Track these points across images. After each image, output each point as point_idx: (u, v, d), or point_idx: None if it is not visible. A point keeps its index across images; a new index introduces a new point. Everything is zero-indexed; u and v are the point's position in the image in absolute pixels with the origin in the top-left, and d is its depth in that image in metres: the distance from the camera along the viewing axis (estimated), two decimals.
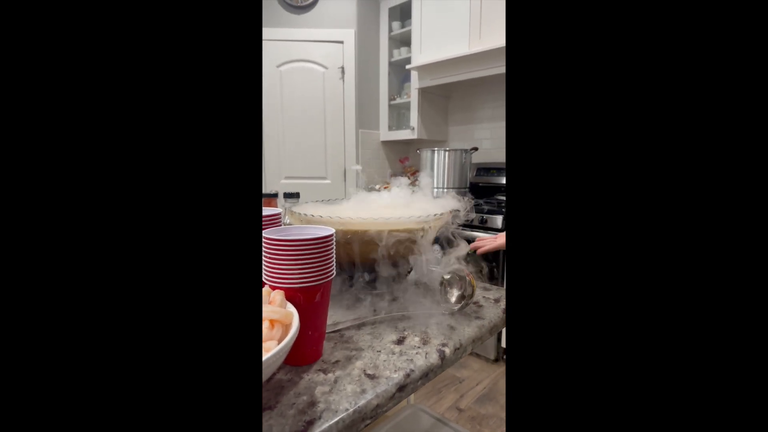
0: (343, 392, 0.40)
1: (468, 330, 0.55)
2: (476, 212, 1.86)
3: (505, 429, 1.40)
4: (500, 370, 1.81)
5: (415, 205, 0.71)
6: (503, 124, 2.36)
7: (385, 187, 0.76)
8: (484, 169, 2.37)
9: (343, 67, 2.52)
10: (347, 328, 0.55)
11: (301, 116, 2.54)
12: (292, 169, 2.55)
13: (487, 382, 1.70)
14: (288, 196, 0.78)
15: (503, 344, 1.85)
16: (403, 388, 0.43)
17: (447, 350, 0.49)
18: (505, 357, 1.90)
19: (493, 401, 1.57)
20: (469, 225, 1.88)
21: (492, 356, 1.88)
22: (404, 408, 0.96)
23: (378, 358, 0.47)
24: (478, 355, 1.92)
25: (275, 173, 2.54)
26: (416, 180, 0.77)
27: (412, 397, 1.22)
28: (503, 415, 1.48)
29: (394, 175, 2.80)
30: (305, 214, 0.62)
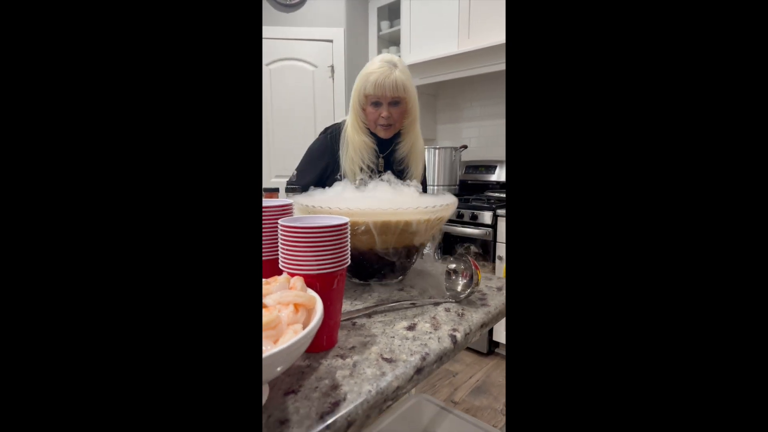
0: (363, 375, 0.41)
1: (476, 316, 0.57)
2: (466, 208, 1.89)
3: (499, 419, 1.43)
4: (492, 362, 1.84)
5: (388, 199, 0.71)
6: (491, 122, 2.40)
7: None
8: (473, 167, 2.40)
9: (332, 66, 2.52)
10: (358, 317, 0.56)
11: (290, 115, 2.52)
12: (282, 168, 2.54)
13: (479, 375, 1.73)
14: (290, 189, 0.79)
15: (494, 338, 1.88)
16: (420, 371, 0.44)
17: (458, 335, 0.51)
18: (496, 350, 1.93)
19: (487, 393, 1.60)
20: (459, 221, 1.90)
21: (484, 350, 1.91)
22: (408, 398, 0.97)
23: (392, 343, 0.48)
24: (470, 349, 1.94)
25: (265, 172, 2.52)
26: (362, 180, 0.77)
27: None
28: (497, 406, 1.51)
29: None
30: (317, 206, 0.62)
